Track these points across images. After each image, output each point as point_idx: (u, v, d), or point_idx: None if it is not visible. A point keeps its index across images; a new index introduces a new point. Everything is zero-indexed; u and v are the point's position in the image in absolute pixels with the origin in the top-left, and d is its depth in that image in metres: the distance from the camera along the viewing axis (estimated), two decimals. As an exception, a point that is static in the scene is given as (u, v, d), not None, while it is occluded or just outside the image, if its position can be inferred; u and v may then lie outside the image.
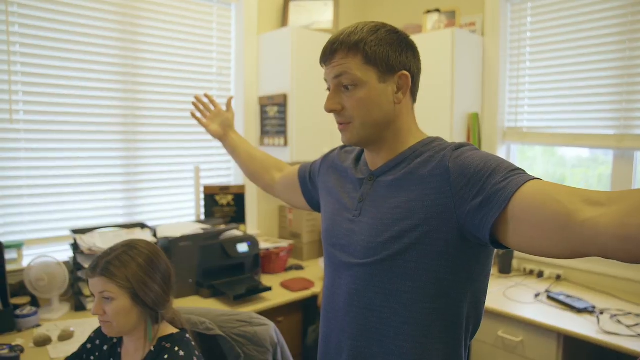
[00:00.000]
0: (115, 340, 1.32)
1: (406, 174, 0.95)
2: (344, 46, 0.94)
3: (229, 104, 1.58)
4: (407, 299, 0.92)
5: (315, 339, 2.05)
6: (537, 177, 0.79)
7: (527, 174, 0.81)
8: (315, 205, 1.29)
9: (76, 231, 2.15)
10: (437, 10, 2.77)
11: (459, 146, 0.92)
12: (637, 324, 1.87)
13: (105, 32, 2.36)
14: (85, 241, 2.09)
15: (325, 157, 1.22)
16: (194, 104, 1.57)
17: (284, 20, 2.93)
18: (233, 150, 1.54)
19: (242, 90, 2.85)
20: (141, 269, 1.21)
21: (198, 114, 1.58)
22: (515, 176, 0.79)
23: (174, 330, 1.29)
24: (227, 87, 2.87)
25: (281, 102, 2.69)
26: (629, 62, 2.29)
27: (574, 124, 2.51)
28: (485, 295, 0.98)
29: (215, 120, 1.56)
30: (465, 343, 0.96)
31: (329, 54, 0.97)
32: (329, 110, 0.99)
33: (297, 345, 2.36)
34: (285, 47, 2.66)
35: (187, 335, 1.29)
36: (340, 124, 1.00)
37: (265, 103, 2.82)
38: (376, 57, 0.93)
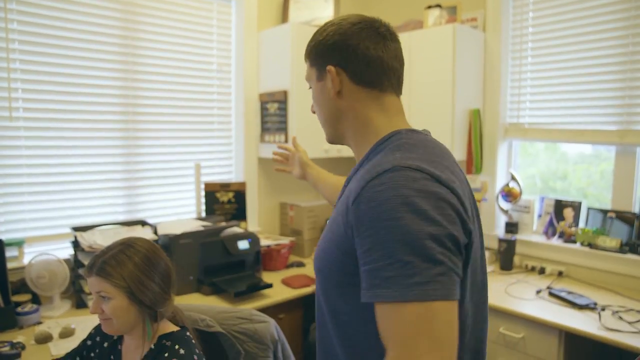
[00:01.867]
0: (115, 338, 1.32)
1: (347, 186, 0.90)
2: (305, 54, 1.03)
3: (294, 143, 1.67)
4: (332, 307, 0.88)
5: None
6: (401, 288, 0.68)
7: (402, 276, 0.68)
8: None
9: (77, 229, 2.15)
10: (438, 6, 2.76)
11: (374, 177, 0.76)
12: (638, 321, 1.86)
13: (105, 29, 2.35)
14: (85, 238, 2.09)
15: None
16: (274, 159, 1.71)
17: (284, 17, 2.92)
18: (315, 185, 1.59)
19: (242, 87, 2.84)
20: (138, 268, 1.21)
21: (281, 166, 1.70)
22: (384, 280, 0.69)
23: (175, 328, 1.29)
24: (227, 84, 2.86)
25: (281, 99, 2.69)
26: (632, 57, 2.28)
27: (576, 119, 2.50)
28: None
29: (294, 163, 1.64)
30: None
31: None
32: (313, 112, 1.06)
33: (298, 342, 2.36)
34: (286, 43, 2.65)
35: (188, 334, 1.29)
36: None
37: (265, 100, 2.82)
38: (312, 56, 0.98)
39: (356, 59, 0.91)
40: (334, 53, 0.93)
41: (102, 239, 2.10)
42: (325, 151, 2.80)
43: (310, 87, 1.02)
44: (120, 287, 1.18)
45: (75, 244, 2.07)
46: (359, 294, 0.75)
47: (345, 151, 2.88)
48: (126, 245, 1.25)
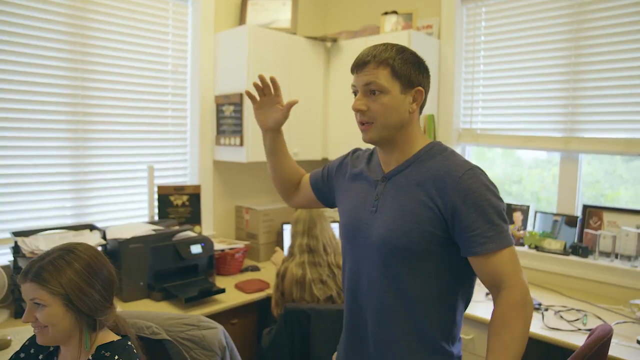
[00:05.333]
0: (51, 349, 1.26)
1: (414, 179, 1.17)
2: (376, 60, 1.16)
3: (288, 107, 1.39)
4: (415, 282, 1.15)
5: (270, 342, 2.04)
6: (503, 239, 1.09)
7: (499, 233, 1.08)
8: (330, 204, 1.49)
9: (18, 233, 2.05)
10: (395, 12, 2.80)
11: (463, 173, 1.12)
12: (577, 319, 1.94)
13: (53, 26, 2.26)
14: (27, 244, 2.00)
15: (340, 165, 1.42)
16: (255, 84, 1.39)
17: (241, 19, 2.89)
18: (277, 150, 1.47)
19: (198, 89, 2.80)
20: (77, 274, 1.16)
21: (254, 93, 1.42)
22: (489, 239, 1.08)
23: (115, 338, 1.24)
24: (182, 85, 2.81)
25: (237, 101, 2.66)
26: (575, 68, 2.38)
27: (524, 126, 2.59)
28: (474, 277, 1.22)
29: (267, 108, 1.41)
30: (461, 312, 1.22)
31: (361, 64, 1.18)
32: (356, 109, 1.19)
33: (252, 348, 2.33)
34: (242, 45, 2.62)
35: (130, 343, 1.25)
36: (362, 123, 1.20)
37: (221, 102, 2.78)
38: (401, 73, 1.15)
39: (429, 89, 1.23)
40: (426, 80, 1.21)
41: (45, 244, 2.01)
42: (294, 154, 2.78)
43: (376, 91, 1.15)
44: (57, 295, 1.13)
45: (16, 250, 1.98)
46: (430, 263, 1.14)
47: (302, 155, 2.88)
48: (66, 251, 1.20)
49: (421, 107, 1.22)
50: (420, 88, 1.18)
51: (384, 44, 1.19)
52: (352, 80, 1.22)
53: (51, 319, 1.12)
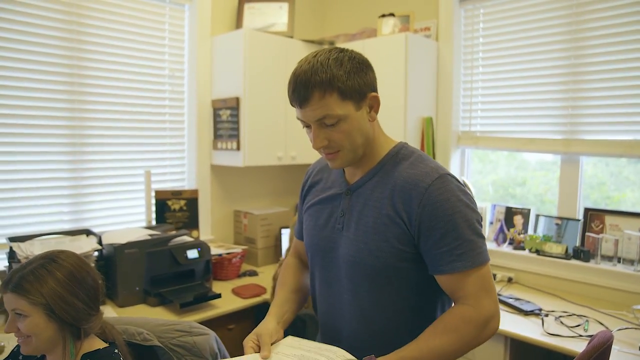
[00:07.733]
0: (39, 356, 1.25)
1: (380, 191, 1.07)
2: (318, 88, 0.98)
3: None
4: (390, 294, 1.07)
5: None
6: (474, 259, 0.99)
7: (470, 250, 0.99)
8: None
9: (14, 239, 2.05)
10: (392, 15, 2.78)
11: (430, 185, 1.01)
12: (578, 325, 1.90)
13: (50, 32, 2.26)
14: (23, 249, 1.99)
15: (303, 187, 1.31)
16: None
17: (238, 23, 2.89)
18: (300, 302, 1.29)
19: (195, 93, 2.79)
20: (59, 284, 1.14)
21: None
22: (458, 257, 0.99)
23: (102, 345, 1.23)
24: (179, 90, 2.80)
25: (234, 106, 2.65)
26: (575, 69, 2.35)
27: (524, 128, 2.56)
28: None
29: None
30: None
31: (303, 98, 1.00)
32: (318, 148, 1.05)
33: (249, 353, 2.31)
34: (239, 49, 2.62)
35: (117, 350, 1.23)
36: (328, 154, 1.07)
37: (218, 106, 2.77)
38: (349, 90, 1.00)
39: (377, 84, 1.08)
40: (373, 78, 1.06)
41: (41, 250, 1.99)
42: (279, 158, 2.77)
43: (331, 124, 1.01)
44: (38, 305, 1.11)
45: (11, 255, 1.97)
46: (401, 280, 1.05)
47: (299, 159, 2.86)
48: (48, 260, 1.19)
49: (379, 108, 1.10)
50: (373, 93, 1.05)
51: (315, 59, 1.00)
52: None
53: (33, 328, 1.11)
